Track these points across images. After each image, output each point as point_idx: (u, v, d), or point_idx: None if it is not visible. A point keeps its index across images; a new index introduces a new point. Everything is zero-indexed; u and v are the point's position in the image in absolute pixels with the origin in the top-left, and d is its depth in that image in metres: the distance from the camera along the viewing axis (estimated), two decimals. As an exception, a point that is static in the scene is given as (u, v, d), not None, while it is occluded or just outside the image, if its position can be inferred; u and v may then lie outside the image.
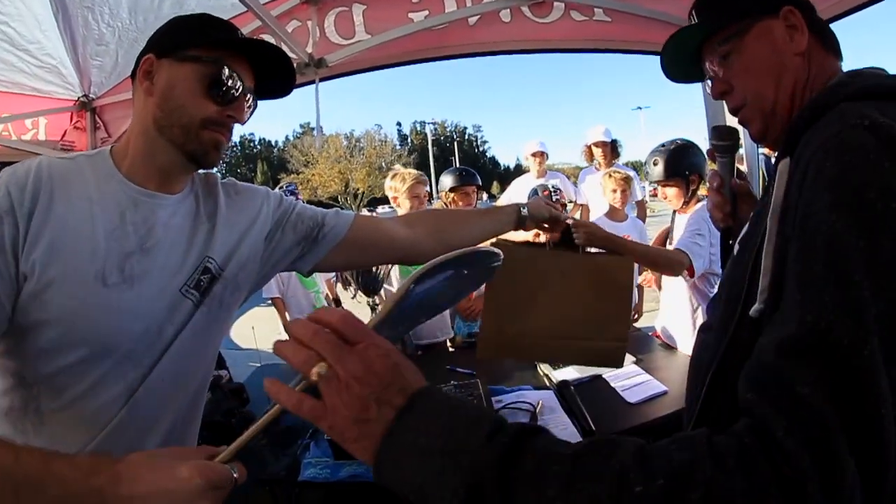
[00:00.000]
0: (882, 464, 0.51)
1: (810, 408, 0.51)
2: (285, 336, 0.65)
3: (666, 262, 2.38)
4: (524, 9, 2.64)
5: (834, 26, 1.00)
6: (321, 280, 4.05)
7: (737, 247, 0.94)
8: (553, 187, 3.44)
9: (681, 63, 1.09)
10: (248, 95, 1.08)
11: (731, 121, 3.26)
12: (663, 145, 2.71)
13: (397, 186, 2.99)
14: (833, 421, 0.50)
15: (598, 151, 4.60)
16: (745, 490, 0.48)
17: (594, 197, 4.69)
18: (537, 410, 1.89)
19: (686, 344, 2.62)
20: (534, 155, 5.10)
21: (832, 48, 0.92)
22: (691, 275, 2.45)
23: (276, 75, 1.14)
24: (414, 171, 3.12)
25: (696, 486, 0.48)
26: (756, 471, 0.49)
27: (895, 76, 0.78)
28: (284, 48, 2.67)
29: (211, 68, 1.01)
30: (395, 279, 2.89)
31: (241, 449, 0.69)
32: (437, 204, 3.90)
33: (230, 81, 1.02)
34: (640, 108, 56.29)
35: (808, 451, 0.49)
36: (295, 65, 2.59)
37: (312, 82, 2.73)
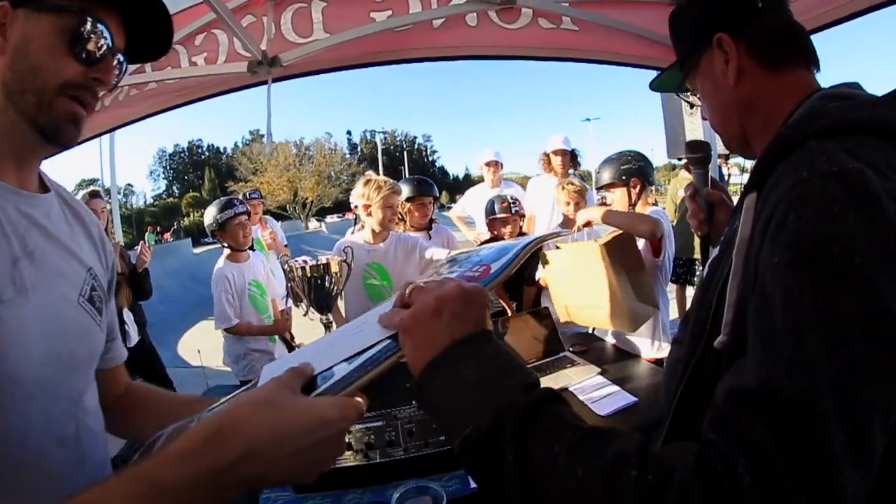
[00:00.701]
0: None
1: (765, 453, 0.52)
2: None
3: (644, 219, 2.46)
4: (491, 13, 2.59)
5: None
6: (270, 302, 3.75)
7: (706, 269, 0.95)
8: (511, 198, 3.38)
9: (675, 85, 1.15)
10: (118, 56, 0.90)
11: (690, 131, 3.39)
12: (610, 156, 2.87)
13: (371, 195, 2.79)
14: (786, 468, 0.51)
15: (556, 160, 4.51)
16: None
17: (542, 203, 4.65)
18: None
19: (647, 347, 2.66)
20: (488, 164, 4.97)
21: (788, 62, 0.87)
22: (656, 251, 2.57)
23: (151, 32, 0.95)
24: (389, 180, 2.93)
25: (674, 488, 0.51)
26: (721, 496, 0.50)
27: (865, 103, 0.75)
28: (237, 44, 2.52)
29: (75, 20, 0.82)
30: (355, 296, 2.83)
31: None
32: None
33: (95, 36, 0.84)
34: (588, 119, 57.29)
35: (762, 491, 0.50)
36: (247, 63, 2.45)
37: (265, 83, 2.58)
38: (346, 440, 1.62)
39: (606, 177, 2.76)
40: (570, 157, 4.52)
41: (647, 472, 0.52)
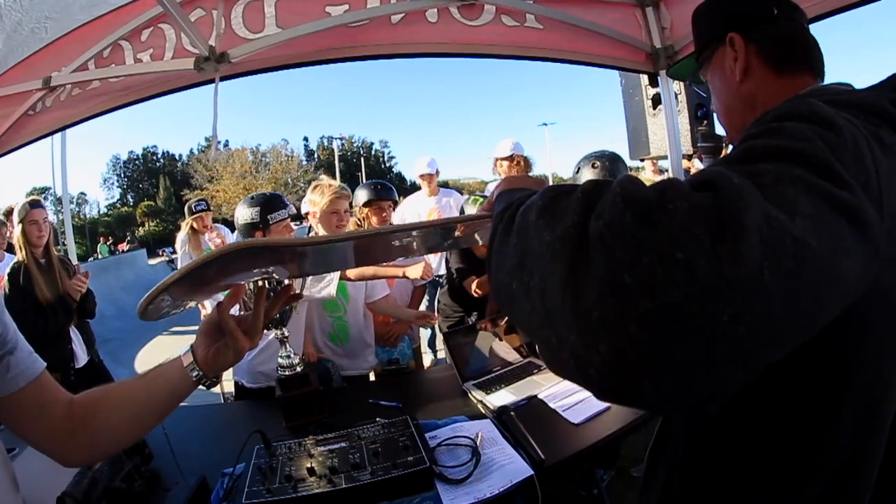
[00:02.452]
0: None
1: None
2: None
3: None
4: (453, 9, 2.52)
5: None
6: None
7: None
8: None
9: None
10: None
11: (653, 132, 3.37)
12: (585, 156, 2.83)
13: (316, 200, 2.70)
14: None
15: (503, 165, 4.45)
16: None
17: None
18: (478, 444, 1.71)
19: None
20: (422, 176, 5.09)
21: (794, 67, 0.92)
22: None
23: None
24: (335, 183, 2.83)
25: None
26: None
27: (841, 91, 0.79)
28: (185, 40, 2.37)
29: None
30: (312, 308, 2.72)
31: None
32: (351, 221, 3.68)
33: None
34: (545, 123, 57.89)
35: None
36: (193, 60, 2.30)
37: (212, 81, 2.41)
38: (309, 465, 1.50)
39: (581, 178, 2.73)
40: (515, 162, 4.44)
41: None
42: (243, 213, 2.57)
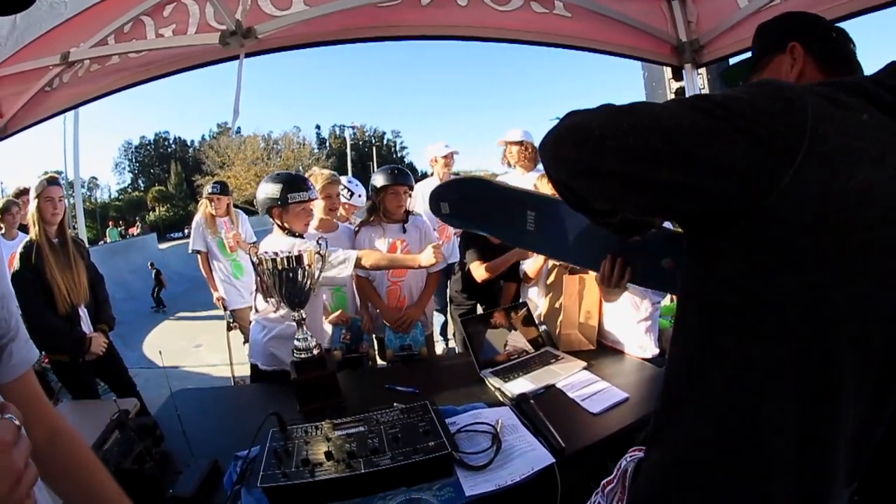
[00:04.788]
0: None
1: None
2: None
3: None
4: (483, -6, 2.50)
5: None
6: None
7: None
8: None
9: None
10: None
11: None
12: None
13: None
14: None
15: (513, 151, 4.43)
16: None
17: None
18: (499, 430, 1.68)
19: (634, 346, 2.55)
20: (444, 157, 4.75)
21: (840, 71, 1.07)
22: None
23: None
24: (327, 171, 3.08)
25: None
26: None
27: (843, 79, 0.90)
28: (209, 14, 2.33)
29: None
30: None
31: None
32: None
33: None
34: (558, 118, 57.62)
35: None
36: (218, 35, 2.26)
37: (236, 57, 2.36)
38: (327, 449, 1.47)
39: None
40: (525, 148, 4.39)
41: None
42: (265, 189, 2.56)
